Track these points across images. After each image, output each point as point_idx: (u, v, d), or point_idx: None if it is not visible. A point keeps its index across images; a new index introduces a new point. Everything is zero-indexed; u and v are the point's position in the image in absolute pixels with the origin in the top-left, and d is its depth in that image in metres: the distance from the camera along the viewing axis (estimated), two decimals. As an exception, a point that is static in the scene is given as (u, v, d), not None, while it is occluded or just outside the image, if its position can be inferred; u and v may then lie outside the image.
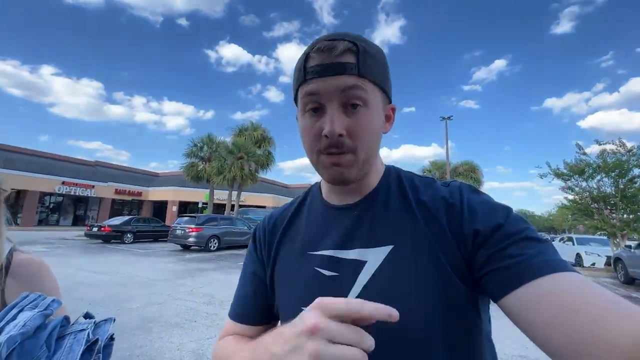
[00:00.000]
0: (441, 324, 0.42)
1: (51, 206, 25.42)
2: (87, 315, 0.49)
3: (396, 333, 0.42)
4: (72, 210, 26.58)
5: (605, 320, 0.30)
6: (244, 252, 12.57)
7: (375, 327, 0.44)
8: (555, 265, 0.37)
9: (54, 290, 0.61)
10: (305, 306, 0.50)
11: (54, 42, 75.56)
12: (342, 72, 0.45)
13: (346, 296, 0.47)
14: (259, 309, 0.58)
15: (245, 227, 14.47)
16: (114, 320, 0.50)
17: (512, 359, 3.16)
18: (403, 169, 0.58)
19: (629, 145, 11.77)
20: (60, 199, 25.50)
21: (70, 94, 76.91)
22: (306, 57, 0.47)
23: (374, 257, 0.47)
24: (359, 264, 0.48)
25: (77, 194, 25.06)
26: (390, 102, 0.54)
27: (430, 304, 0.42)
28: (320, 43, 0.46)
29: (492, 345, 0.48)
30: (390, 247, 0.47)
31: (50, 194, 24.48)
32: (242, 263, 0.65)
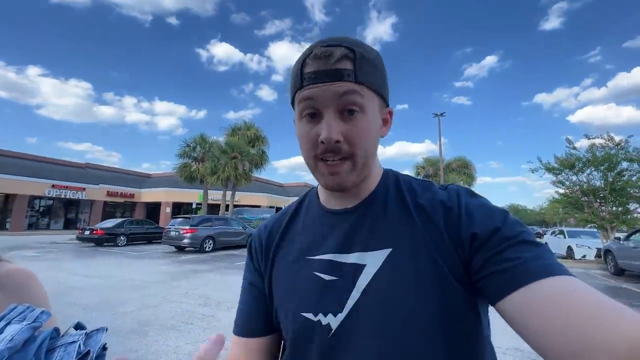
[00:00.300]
0: (440, 327, 0.42)
1: (41, 210, 24.98)
2: (78, 326, 0.47)
3: (396, 336, 0.42)
4: (63, 213, 26.17)
5: (601, 325, 0.30)
6: (239, 252, 12.54)
7: (375, 328, 0.45)
8: (552, 269, 0.37)
9: (43, 300, 0.59)
10: (305, 311, 0.50)
11: (40, 42, 73.69)
12: (339, 78, 0.44)
13: (346, 300, 0.47)
14: (262, 320, 0.57)
15: (240, 227, 14.42)
16: (107, 329, 0.49)
17: (508, 352, 3.22)
18: (400, 172, 0.58)
19: (617, 139, 12.04)
20: (51, 202, 25.06)
21: (58, 95, 75.38)
22: (303, 62, 0.47)
23: (372, 261, 0.47)
24: (358, 268, 0.48)
25: (67, 196, 24.66)
26: (387, 106, 0.53)
27: (429, 307, 0.42)
28: (317, 49, 0.46)
29: (491, 347, 0.48)
30: (389, 250, 0.47)
31: (40, 198, 24.04)
32: (238, 263, 0.64)
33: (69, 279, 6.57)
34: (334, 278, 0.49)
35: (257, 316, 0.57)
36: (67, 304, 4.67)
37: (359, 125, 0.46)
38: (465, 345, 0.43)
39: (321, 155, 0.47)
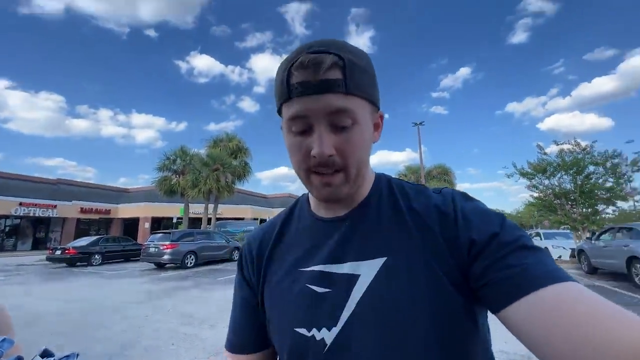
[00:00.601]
0: (437, 336, 0.41)
1: (7, 230, 23.38)
2: (45, 353, 0.44)
3: (392, 347, 0.41)
4: (32, 232, 24.59)
5: (607, 331, 0.30)
6: (223, 267, 12.18)
7: (371, 341, 0.43)
8: (556, 276, 0.36)
9: (7, 327, 0.55)
10: (298, 326, 0.47)
11: (8, 54, 70.20)
12: (328, 89, 0.42)
13: (340, 313, 0.45)
14: (254, 335, 0.54)
15: (224, 241, 14.04)
16: (78, 355, 0.45)
17: (495, 354, 3.25)
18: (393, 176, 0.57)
19: (583, 144, 12.81)
20: (18, 221, 23.53)
21: (28, 109, 71.42)
22: (289, 71, 0.43)
23: (367, 271, 0.46)
24: (352, 278, 0.46)
25: (36, 215, 23.23)
26: (378, 109, 0.51)
27: (426, 316, 0.41)
28: (304, 56, 0.42)
29: (491, 354, 0.47)
30: (384, 259, 0.45)
31: (6, 217, 22.54)
32: (221, 278, 0.62)
33: (39, 304, 6.13)
34: (327, 290, 0.47)
35: (249, 331, 0.55)
36: (37, 333, 4.34)
37: (352, 138, 0.44)
38: (463, 352, 0.42)
39: (314, 169, 0.45)
